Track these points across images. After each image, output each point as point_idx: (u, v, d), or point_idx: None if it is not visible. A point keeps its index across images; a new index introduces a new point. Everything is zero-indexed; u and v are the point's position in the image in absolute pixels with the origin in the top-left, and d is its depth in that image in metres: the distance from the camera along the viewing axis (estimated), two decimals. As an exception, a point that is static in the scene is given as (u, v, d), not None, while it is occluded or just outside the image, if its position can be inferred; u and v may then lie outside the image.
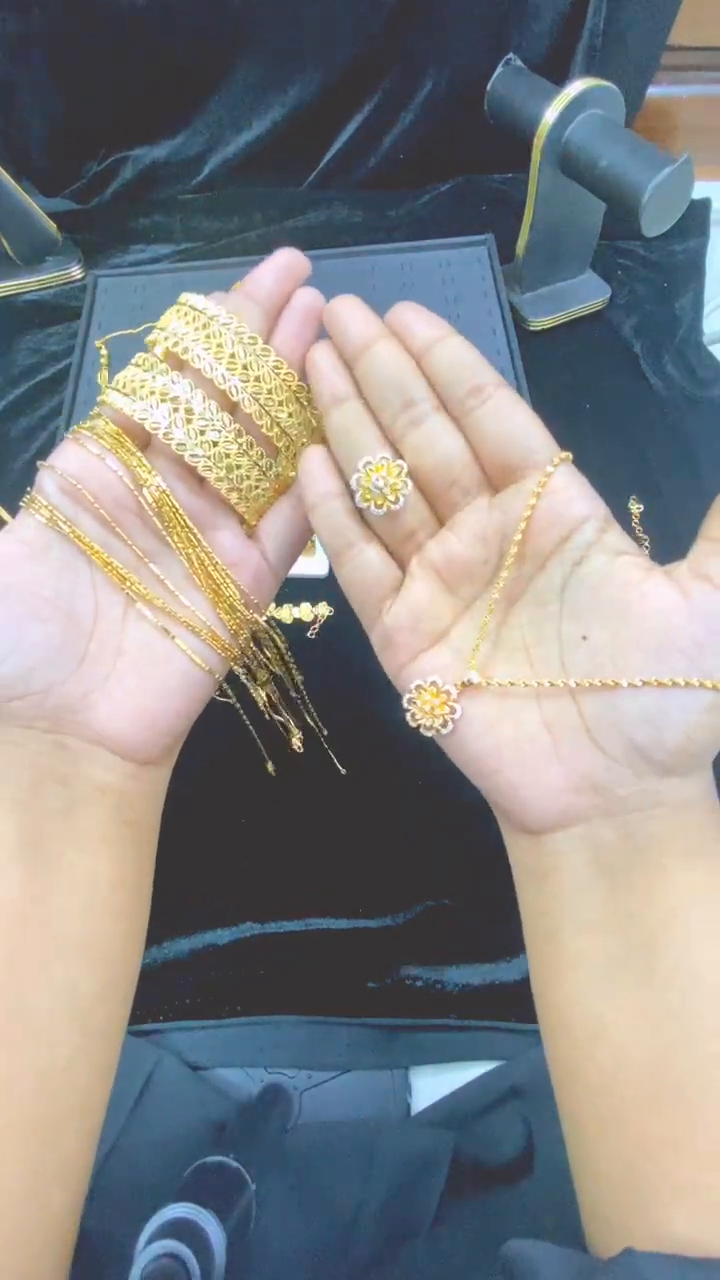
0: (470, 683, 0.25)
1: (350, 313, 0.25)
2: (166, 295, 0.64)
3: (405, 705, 0.26)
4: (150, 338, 0.27)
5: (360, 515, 0.26)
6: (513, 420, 0.24)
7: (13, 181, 0.62)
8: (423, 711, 0.25)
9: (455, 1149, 0.36)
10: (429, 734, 0.25)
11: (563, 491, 0.24)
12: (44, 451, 0.58)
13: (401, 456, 0.25)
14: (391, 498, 0.25)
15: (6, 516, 0.35)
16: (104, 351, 0.27)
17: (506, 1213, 0.35)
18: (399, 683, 0.26)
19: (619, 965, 0.22)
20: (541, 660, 0.24)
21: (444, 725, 0.25)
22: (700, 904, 0.22)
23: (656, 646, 0.22)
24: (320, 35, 0.65)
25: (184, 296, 0.27)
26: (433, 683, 0.25)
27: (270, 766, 0.41)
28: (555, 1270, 0.20)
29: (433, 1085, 0.41)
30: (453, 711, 0.25)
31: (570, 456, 0.24)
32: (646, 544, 0.53)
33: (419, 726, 0.25)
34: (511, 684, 0.24)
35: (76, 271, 0.69)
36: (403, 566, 0.26)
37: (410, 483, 0.25)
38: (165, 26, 0.64)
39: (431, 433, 0.25)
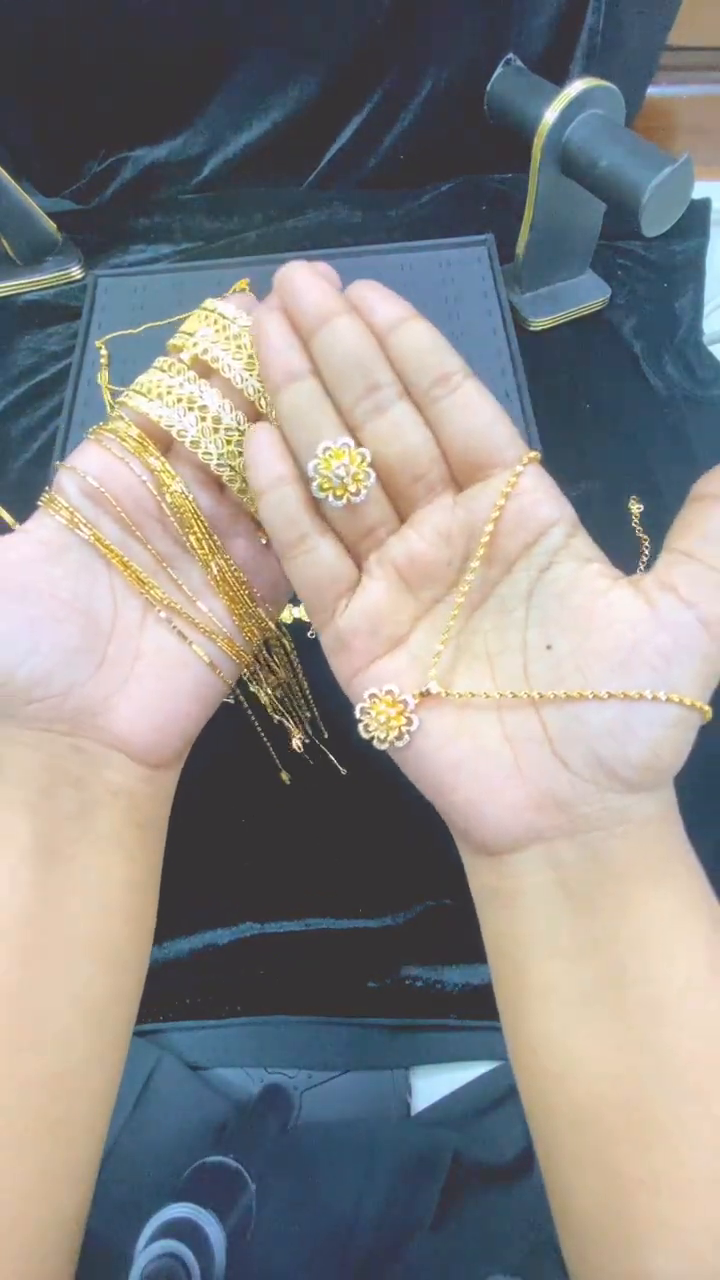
0: (429, 693, 0.23)
1: (306, 281, 0.23)
2: (166, 295, 0.64)
3: (358, 715, 0.24)
4: (174, 341, 0.27)
5: (315, 505, 0.24)
6: (481, 414, 0.23)
7: (13, 181, 0.62)
8: (377, 723, 0.24)
9: (455, 1149, 0.36)
10: (382, 746, 0.24)
11: (530, 493, 0.23)
12: (44, 451, 0.58)
13: (362, 444, 0.24)
14: (353, 488, 0.23)
15: (7, 517, 0.35)
16: (104, 351, 0.27)
17: (506, 1213, 0.35)
18: (351, 690, 0.25)
19: (589, 996, 0.22)
20: (504, 670, 0.23)
21: (399, 738, 0.24)
22: (666, 930, 0.22)
23: (622, 659, 0.21)
24: (320, 35, 0.65)
25: (210, 302, 0.27)
26: (388, 692, 0.24)
27: (285, 776, 0.41)
28: None
29: (433, 1085, 0.41)
30: (409, 723, 0.23)
31: (539, 456, 0.23)
32: (647, 544, 0.53)
33: (372, 739, 0.24)
34: (473, 695, 0.23)
35: (76, 271, 0.69)
36: (358, 564, 0.25)
37: (373, 473, 0.24)
38: (165, 26, 0.64)
39: (397, 421, 0.23)
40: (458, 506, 0.24)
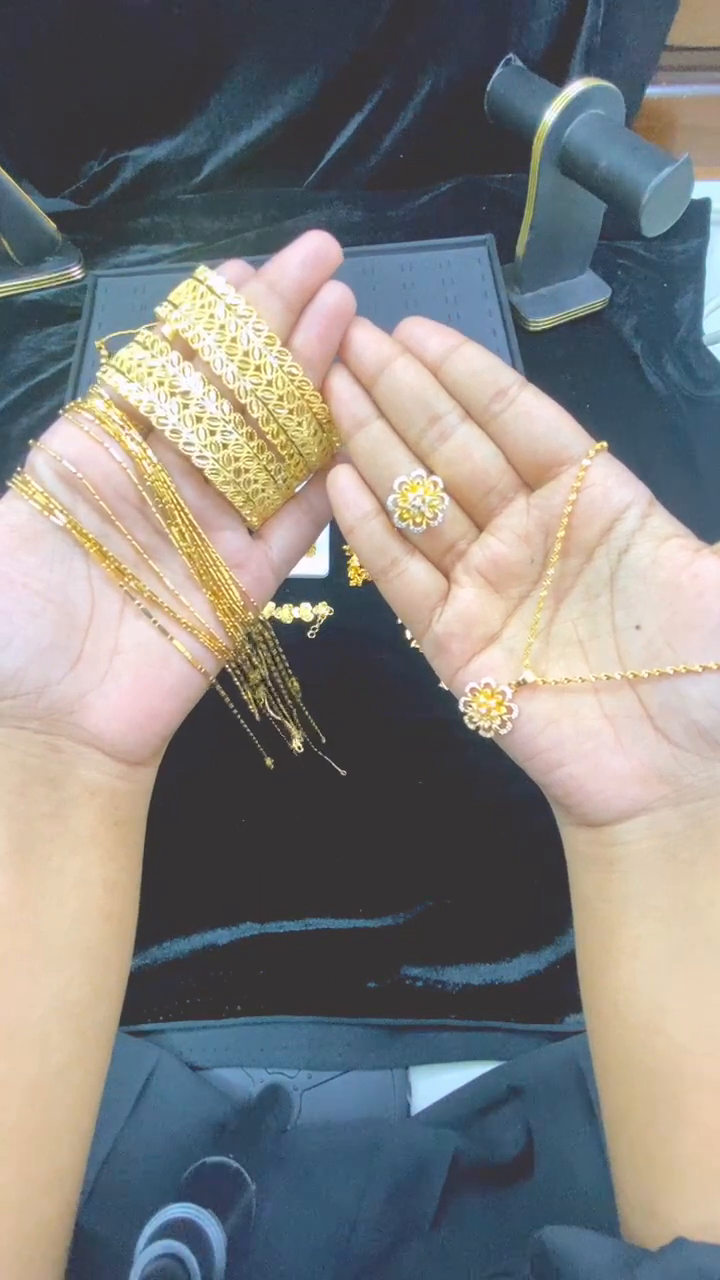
0: (525, 682, 0.25)
1: (363, 336, 0.25)
2: (166, 295, 0.64)
3: (462, 708, 0.26)
4: (160, 310, 0.25)
5: (398, 531, 0.26)
6: (542, 419, 0.24)
7: (13, 181, 0.62)
8: (480, 714, 0.25)
9: (455, 1149, 0.36)
10: (487, 735, 0.25)
11: (601, 483, 0.24)
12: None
13: (433, 471, 0.25)
14: (430, 514, 0.25)
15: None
16: (104, 351, 0.26)
17: (507, 1213, 0.35)
18: (454, 687, 0.26)
19: (680, 954, 0.22)
20: (596, 653, 0.24)
21: (502, 726, 0.25)
22: None
23: (714, 625, 0.22)
24: (320, 35, 0.65)
25: (202, 272, 0.25)
26: (487, 684, 0.25)
27: (269, 761, 0.40)
28: (597, 1260, 0.20)
29: (433, 1085, 0.41)
30: (510, 712, 0.25)
31: (605, 446, 0.24)
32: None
33: (477, 729, 0.25)
34: (568, 681, 0.24)
35: (76, 271, 0.69)
36: (446, 575, 0.26)
37: (447, 497, 0.25)
38: (165, 26, 0.64)
39: (463, 444, 0.25)
40: (532, 507, 0.25)
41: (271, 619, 0.50)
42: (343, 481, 0.26)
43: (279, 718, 0.37)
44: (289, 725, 0.38)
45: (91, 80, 0.68)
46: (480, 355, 0.25)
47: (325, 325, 0.25)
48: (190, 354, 0.25)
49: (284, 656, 0.34)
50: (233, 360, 0.24)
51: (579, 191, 0.55)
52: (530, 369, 0.59)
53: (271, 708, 0.36)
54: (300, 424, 0.25)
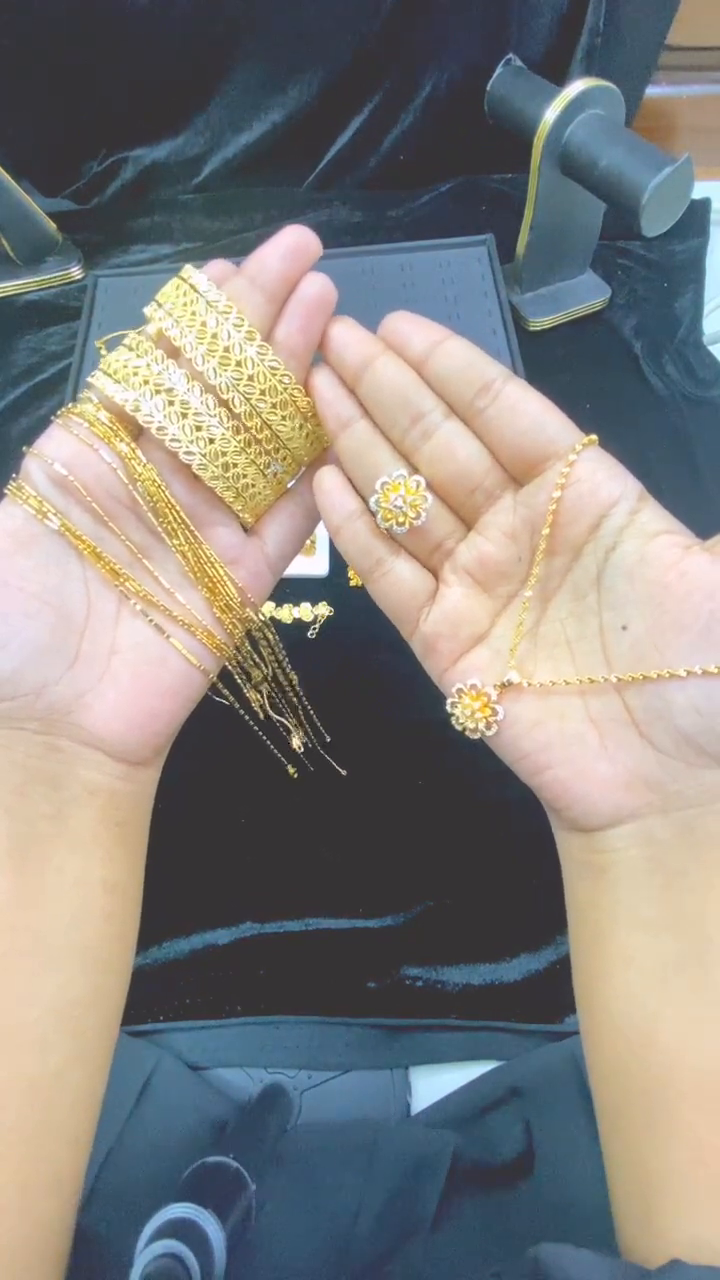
0: (510, 683, 0.24)
1: (344, 334, 0.25)
2: (166, 295, 0.65)
3: (448, 709, 0.26)
4: (147, 310, 0.25)
5: (384, 531, 0.26)
6: (527, 413, 0.24)
7: (13, 181, 0.62)
8: (465, 715, 0.25)
9: (455, 1149, 0.36)
10: (474, 736, 0.25)
11: (588, 478, 0.23)
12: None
13: (418, 470, 0.25)
14: (413, 514, 0.25)
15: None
16: (104, 352, 0.26)
17: (507, 1213, 0.35)
18: (443, 686, 0.26)
19: (673, 967, 0.22)
20: (584, 654, 0.24)
21: (488, 728, 0.25)
22: None
23: (702, 626, 0.21)
24: (320, 35, 0.65)
25: (186, 271, 0.25)
26: (472, 686, 0.25)
27: (292, 770, 0.40)
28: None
29: (433, 1085, 0.41)
30: (494, 713, 0.25)
31: (595, 440, 0.23)
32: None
33: (464, 730, 0.25)
34: (552, 683, 0.24)
35: (76, 271, 0.69)
36: (434, 574, 0.26)
37: (430, 496, 0.25)
38: (165, 26, 0.64)
39: (446, 442, 0.24)
40: (518, 505, 0.24)
41: (271, 619, 0.50)
42: (328, 483, 0.26)
43: (281, 718, 0.37)
44: (291, 725, 0.38)
45: (91, 80, 0.67)
46: (464, 350, 0.24)
47: (306, 316, 0.24)
48: (175, 352, 0.25)
49: (286, 656, 0.34)
50: (213, 356, 0.24)
51: (579, 191, 0.55)
52: (530, 369, 0.59)
53: (273, 708, 0.36)
54: (284, 418, 0.25)
